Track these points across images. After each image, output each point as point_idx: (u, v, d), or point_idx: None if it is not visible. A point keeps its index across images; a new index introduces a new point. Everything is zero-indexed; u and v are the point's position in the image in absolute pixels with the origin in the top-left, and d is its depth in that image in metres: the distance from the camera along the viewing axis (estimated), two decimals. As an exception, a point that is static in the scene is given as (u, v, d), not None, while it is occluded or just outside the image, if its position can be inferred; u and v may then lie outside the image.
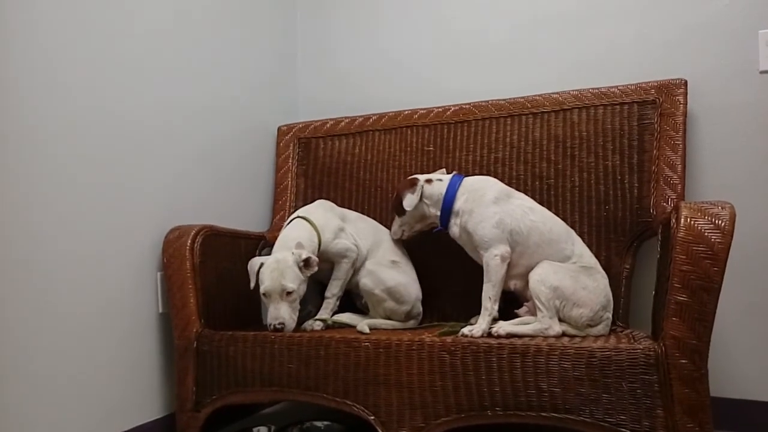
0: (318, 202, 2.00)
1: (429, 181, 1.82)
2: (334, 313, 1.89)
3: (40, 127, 1.53)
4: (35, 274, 1.49)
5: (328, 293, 1.88)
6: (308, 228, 1.83)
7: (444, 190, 1.79)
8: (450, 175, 1.83)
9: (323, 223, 1.87)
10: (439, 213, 1.79)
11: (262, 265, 1.74)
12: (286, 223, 1.93)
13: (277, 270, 1.70)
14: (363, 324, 1.74)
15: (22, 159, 1.48)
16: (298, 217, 1.89)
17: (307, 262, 1.73)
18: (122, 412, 1.71)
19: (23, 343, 1.46)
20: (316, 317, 1.85)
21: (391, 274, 1.90)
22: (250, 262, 1.78)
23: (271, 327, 1.69)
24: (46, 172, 1.54)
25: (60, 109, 1.58)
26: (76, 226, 1.61)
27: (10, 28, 1.46)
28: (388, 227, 2.13)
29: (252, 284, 1.75)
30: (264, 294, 1.71)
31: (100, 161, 1.69)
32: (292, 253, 1.72)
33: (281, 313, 1.69)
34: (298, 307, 1.74)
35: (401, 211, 1.85)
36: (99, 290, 1.66)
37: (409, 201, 1.79)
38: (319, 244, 1.83)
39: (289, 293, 1.69)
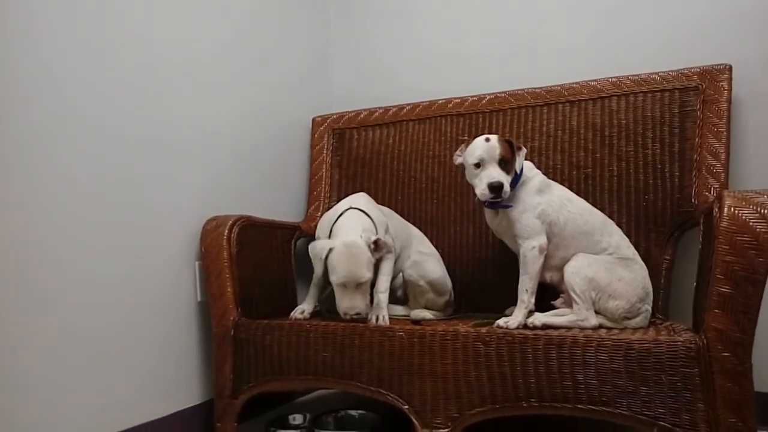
0: (361, 195, 1.93)
1: None
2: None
3: (87, 127, 1.57)
4: (79, 266, 1.54)
5: (380, 288, 1.76)
6: (366, 219, 1.77)
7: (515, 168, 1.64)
8: None
9: (375, 216, 1.82)
10: None
11: (330, 250, 1.67)
12: (333, 214, 1.83)
13: (352, 258, 1.64)
14: (418, 312, 1.79)
15: (67, 157, 1.52)
16: (352, 208, 1.81)
17: (376, 245, 1.67)
18: (162, 398, 1.75)
19: (69, 332, 1.51)
20: (397, 314, 1.85)
21: (433, 266, 1.92)
22: (311, 246, 1.73)
23: (348, 317, 1.65)
24: (88, 170, 1.58)
25: (102, 111, 1.62)
26: (119, 219, 1.65)
27: (82, 35, 1.51)
28: (422, 217, 2.13)
29: (319, 271, 1.70)
30: (340, 284, 1.66)
31: (142, 157, 1.72)
32: (360, 236, 1.67)
33: (357, 303, 1.65)
34: (369, 290, 1.70)
35: (510, 169, 1.61)
36: (139, 280, 1.70)
37: (520, 163, 1.62)
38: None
39: (363, 282, 1.65)
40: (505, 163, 1.60)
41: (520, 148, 1.65)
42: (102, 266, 1.60)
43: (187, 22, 1.90)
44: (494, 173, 1.58)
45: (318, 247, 1.71)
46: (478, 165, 1.62)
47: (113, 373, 1.61)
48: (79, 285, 1.54)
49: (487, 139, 1.63)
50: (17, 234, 1.41)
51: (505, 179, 1.59)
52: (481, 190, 1.60)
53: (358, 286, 1.65)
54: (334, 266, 1.65)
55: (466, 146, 1.68)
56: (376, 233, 1.77)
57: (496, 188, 1.57)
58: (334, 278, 1.66)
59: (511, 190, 1.63)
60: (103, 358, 1.59)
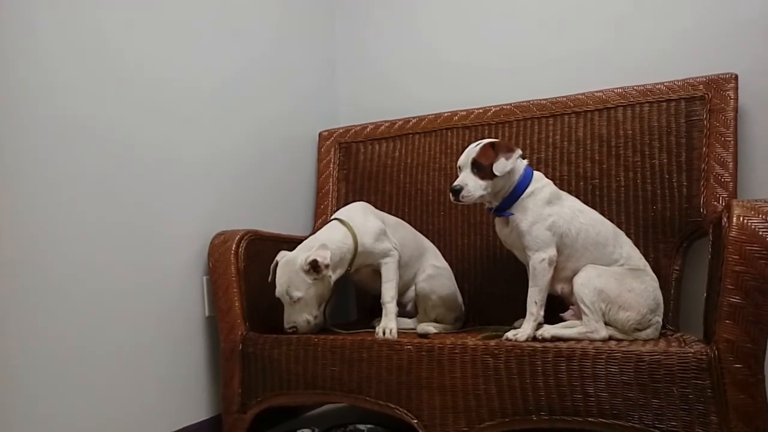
0: (358, 204, 1.95)
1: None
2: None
3: (96, 143, 1.59)
4: (86, 280, 1.55)
5: (386, 297, 1.79)
6: (342, 230, 1.80)
7: (521, 174, 1.65)
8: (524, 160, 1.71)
9: (362, 227, 1.82)
10: (505, 194, 1.66)
11: (277, 264, 1.76)
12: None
13: (285, 275, 1.72)
14: (423, 326, 1.76)
15: (76, 172, 1.54)
16: (335, 219, 1.86)
17: (313, 265, 1.69)
18: (170, 413, 1.75)
19: (76, 345, 1.51)
20: (405, 327, 1.82)
21: (447, 282, 1.91)
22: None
23: (286, 329, 1.74)
24: (97, 185, 1.59)
25: (111, 127, 1.64)
26: (127, 234, 1.66)
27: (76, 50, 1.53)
28: (429, 230, 2.13)
29: (269, 278, 1.78)
30: (278, 298, 1.75)
31: (150, 172, 1.74)
32: (307, 254, 1.70)
33: (292, 318, 1.73)
34: (314, 305, 1.75)
35: (486, 174, 1.62)
36: (147, 295, 1.71)
37: (502, 166, 1.60)
38: (356, 247, 1.79)
39: (296, 300, 1.71)
40: (478, 167, 1.63)
41: (510, 150, 1.64)
42: (109, 281, 1.60)
43: (194, 39, 1.92)
44: (461, 177, 1.65)
45: (278, 257, 1.79)
46: (460, 170, 1.69)
47: (120, 388, 1.61)
48: (86, 299, 1.54)
49: (478, 144, 1.67)
50: (25, 246, 1.42)
51: (473, 183, 1.62)
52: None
53: (296, 301, 1.71)
54: (277, 281, 1.75)
55: None
56: (355, 245, 1.78)
57: (454, 191, 1.63)
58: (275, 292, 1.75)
59: (516, 196, 1.64)
60: (110, 373, 1.59)
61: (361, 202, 1.97)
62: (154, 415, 1.70)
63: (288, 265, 1.72)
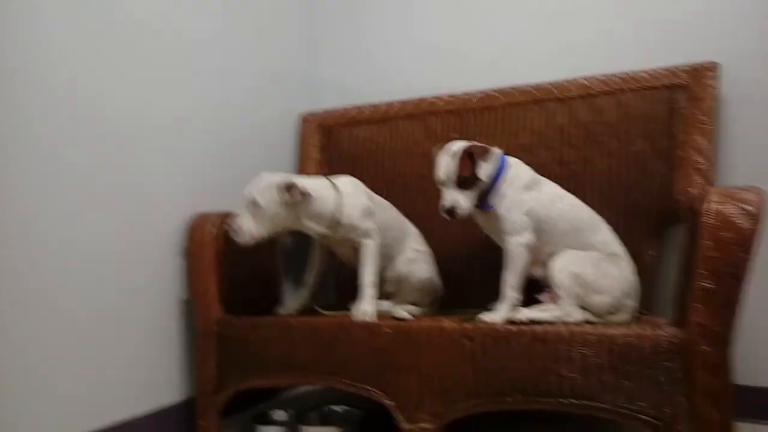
0: (351, 177, 1.90)
1: None
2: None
3: (67, 122, 1.56)
4: (61, 260, 1.53)
5: (365, 280, 1.74)
6: (327, 186, 1.76)
7: (495, 166, 1.66)
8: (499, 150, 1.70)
9: (351, 196, 1.79)
10: (484, 187, 1.64)
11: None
12: None
13: (260, 183, 1.68)
14: (399, 309, 1.73)
15: (47, 153, 1.51)
16: (328, 181, 1.81)
17: (289, 188, 1.66)
18: (144, 395, 1.74)
19: (49, 328, 1.50)
20: (383, 309, 1.77)
21: (426, 265, 1.91)
22: None
23: (228, 225, 1.71)
24: (71, 164, 1.57)
25: (83, 105, 1.61)
26: (102, 215, 1.64)
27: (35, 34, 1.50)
28: (410, 214, 2.13)
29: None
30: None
31: (125, 152, 1.71)
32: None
33: (240, 221, 1.68)
34: (266, 226, 1.69)
35: (471, 183, 1.61)
36: (123, 277, 1.69)
37: (486, 171, 1.60)
38: (336, 211, 1.75)
39: (254, 205, 1.66)
40: (464, 180, 1.60)
41: (487, 152, 1.62)
42: (84, 263, 1.59)
43: (170, 13, 1.89)
44: (448, 197, 1.61)
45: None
46: (442, 185, 1.64)
47: (91, 369, 1.60)
48: (61, 279, 1.53)
49: (453, 156, 1.62)
50: (-2, 227, 1.40)
51: (462, 198, 1.60)
52: (441, 213, 1.63)
53: (250, 206, 1.66)
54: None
55: (437, 155, 1.67)
56: (339, 209, 1.74)
57: (448, 212, 1.60)
58: None
59: (493, 187, 1.64)
60: (81, 353, 1.58)
61: (354, 178, 1.92)
62: (127, 397, 1.69)
63: (266, 178, 1.69)
